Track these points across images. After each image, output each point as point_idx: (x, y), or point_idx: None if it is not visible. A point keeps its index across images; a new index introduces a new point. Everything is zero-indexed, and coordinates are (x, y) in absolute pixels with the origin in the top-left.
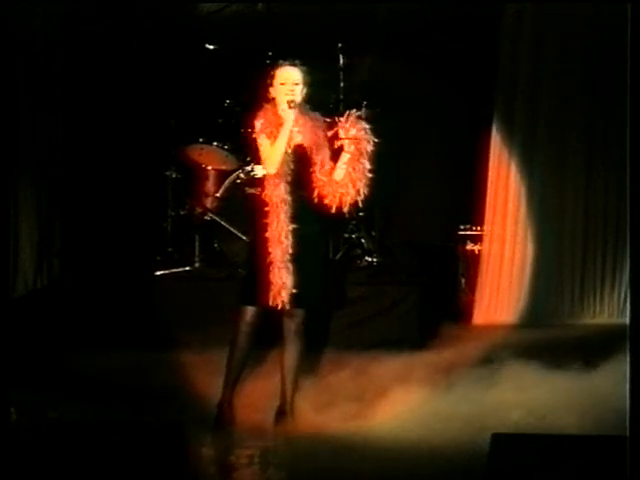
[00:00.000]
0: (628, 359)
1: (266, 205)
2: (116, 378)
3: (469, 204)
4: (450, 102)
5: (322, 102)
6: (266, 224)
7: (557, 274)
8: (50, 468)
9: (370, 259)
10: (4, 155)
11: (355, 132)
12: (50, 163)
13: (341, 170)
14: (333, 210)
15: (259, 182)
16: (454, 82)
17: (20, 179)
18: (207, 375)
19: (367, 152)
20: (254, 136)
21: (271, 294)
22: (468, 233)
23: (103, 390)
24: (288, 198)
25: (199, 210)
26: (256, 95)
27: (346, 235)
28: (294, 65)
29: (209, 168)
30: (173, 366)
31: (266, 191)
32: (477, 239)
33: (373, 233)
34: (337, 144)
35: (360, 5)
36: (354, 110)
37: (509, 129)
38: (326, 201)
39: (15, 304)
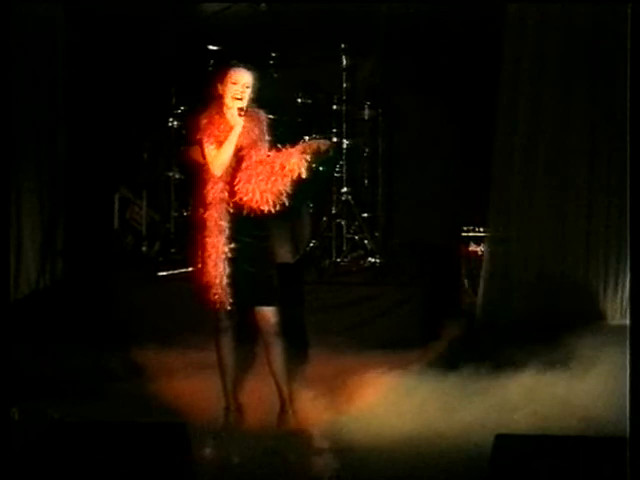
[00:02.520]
0: (628, 359)
1: (205, 203)
2: (119, 378)
3: (472, 205)
4: (453, 103)
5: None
6: (204, 221)
7: (560, 275)
8: (53, 468)
9: (373, 260)
10: (7, 155)
11: (291, 161)
12: (53, 163)
13: (256, 183)
14: (246, 210)
15: (199, 177)
16: (457, 82)
17: (23, 179)
18: (210, 375)
19: (287, 179)
20: (198, 136)
21: (211, 293)
22: (471, 234)
23: (106, 390)
24: (225, 196)
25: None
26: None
27: (349, 236)
28: (247, 68)
29: None
30: (176, 366)
31: (206, 189)
32: (480, 240)
33: (376, 234)
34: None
35: (363, 6)
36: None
37: (512, 129)
38: (245, 198)
39: (18, 304)
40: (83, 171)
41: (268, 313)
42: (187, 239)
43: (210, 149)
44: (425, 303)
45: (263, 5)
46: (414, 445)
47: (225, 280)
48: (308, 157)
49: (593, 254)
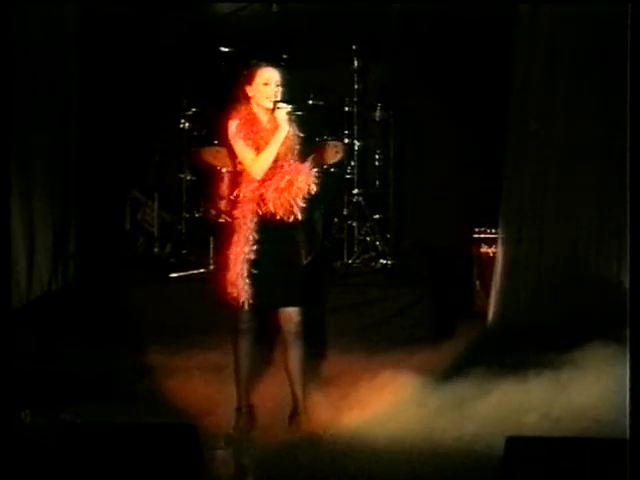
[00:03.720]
0: (628, 360)
1: (238, 203)
2: (130, 380)
3: (483, 206)
4: (464, 104)
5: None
6: (237, 221)
7: (571, 276)
8: (63, 469)
9: (385, 261)
10: (19, 157)
11: (299, 179)
12: (64, 165)
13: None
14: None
15: (233, 180)
16: (468, 83)
17: (35, 180)
18: (221, 377)
19: (296, 194)
20: (230, 139)
21: (237, 293)
22: (482, 236)
23: (117, 392)
24: (256, 196)
25: (213, 212)
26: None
27: (360, 237)
28: (275, 66)
29: (223, 170)
30: (188, 367)
31: (238, 189)
32: (491, 241)
33: (388, 235)
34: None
35: (374, 7)
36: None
37: (524, 130)
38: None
39: (30, 306)
40: (95, 173)
41: (292, 314)
42: (199, 240)
43: (247, 151)
44: (436, 304)
45: (274, 6)
46: (425, 447)
47: (252, 280)
48: (316, 173)
49: (605, 255)
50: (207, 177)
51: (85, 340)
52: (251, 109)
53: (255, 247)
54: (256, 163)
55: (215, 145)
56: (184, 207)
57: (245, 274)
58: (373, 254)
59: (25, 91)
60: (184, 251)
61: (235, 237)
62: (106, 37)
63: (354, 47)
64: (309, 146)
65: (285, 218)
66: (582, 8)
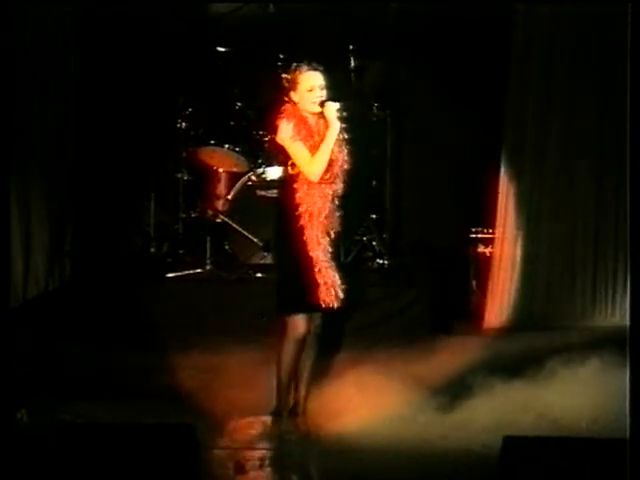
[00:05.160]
0: (628, 360)
1: (301, 207)
2: (126, 380)
3: (480, 206)
4: (462, 103)
5: None
6: (303, 227)
7: (569, 276)
8: (62, 469)
9: (381, 261)
10: (16, 156)
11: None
12: (61, 165)
13: None
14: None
15: (287, 184)
16: (465, 83)
17: (31, 181)
18: (217, 377)
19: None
20: (286, 141)
21: (323, 296)
22: (479, 236)
23: (113, 392)
24: (323, 200)
25: (210, 212)
26: (268, 98)
27: (357, 237)
28: (316, 69)
29: (220, 170)
30: (184, 368)
31: (299, 194)
32: (488, 241)
33: (384, 235)
34: None
35: (371, 7)
36: None
37: (520, 130)
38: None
39: (27, 305)
40: (91, 172)
41: (316, 313)
42: (195, 240)
43: (305, 153)
44: (433, 304)
45: (271, 6)
46: (423, 447)
47: (335, 280)
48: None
49: (602, 255)
50: (204, 177)
51: (82, 340)
52: (300, 112)
53: (321, 251)
54: (313, 164)
55: (212, 145)
56: (181, 207)
57: (332, 276)
58: (370, 254)
59: (23, 91)
60: (181, 251)
61: (301, 240)
62: (103, 37)
63: (351, 47)
64: None
65: (333, 220)
66: (581, 8)
